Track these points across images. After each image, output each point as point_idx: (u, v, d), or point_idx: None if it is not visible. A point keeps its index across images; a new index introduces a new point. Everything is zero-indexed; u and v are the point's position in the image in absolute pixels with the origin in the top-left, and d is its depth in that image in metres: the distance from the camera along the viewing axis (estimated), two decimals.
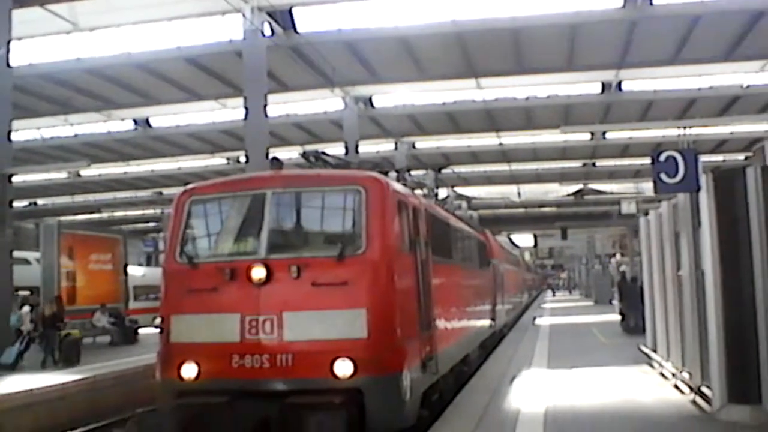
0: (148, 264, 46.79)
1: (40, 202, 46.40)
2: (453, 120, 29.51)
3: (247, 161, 19.59)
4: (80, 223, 45.35)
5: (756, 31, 19.46)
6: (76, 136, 30.78)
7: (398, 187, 9.28)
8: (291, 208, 8.53)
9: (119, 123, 29.80)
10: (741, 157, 33.77)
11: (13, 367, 16.78)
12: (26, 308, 19.07)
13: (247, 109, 19.59)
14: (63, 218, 42.56)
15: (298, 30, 20.47)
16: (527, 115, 29.14)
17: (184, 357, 7.87)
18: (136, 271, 31.73)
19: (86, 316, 22.54)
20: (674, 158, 9.65)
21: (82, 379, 14.90)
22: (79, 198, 45.36)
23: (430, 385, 9.14)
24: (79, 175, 38.84)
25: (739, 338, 8.59)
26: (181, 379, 7.85)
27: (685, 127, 20.46)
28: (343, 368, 7.46)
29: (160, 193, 43.02)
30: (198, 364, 7.82)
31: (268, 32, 19.87)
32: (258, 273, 7.77)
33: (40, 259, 22.87)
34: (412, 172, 15.67)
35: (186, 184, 9.38)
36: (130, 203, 46.49)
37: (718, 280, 8.85)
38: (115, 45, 21.43)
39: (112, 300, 24.00)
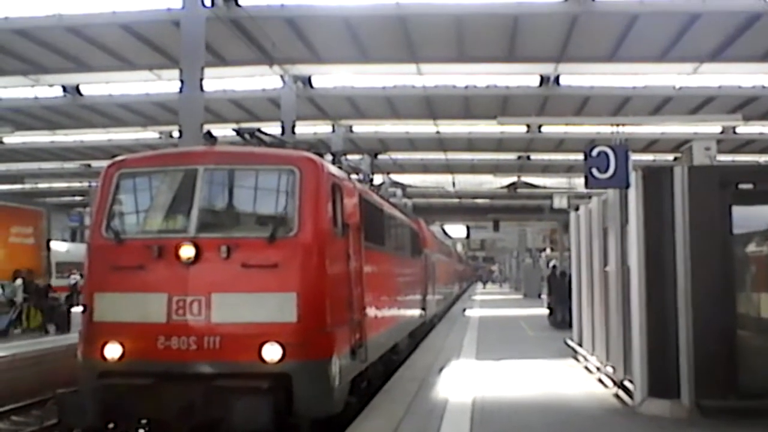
0: (73, 239, 45.28)
1: None
2: (392, 105, 29.40)
3: (180, 136, 19.01)
4: (1, 193, 43.48)
5: (691, 32, 19.92)
6: (0, 100, 29.51)
7: (333, 169, 9.18)
8: (223, 185, 8.36)
9: (47, 89, 28.66)
10: (670, 157, 34.67)
11: (4, 334, 18.44)
12: (18, 281, 20.66)
13: (182, 81, 18.97)
14: None
15: (240, 2, 20.01)
16: (465, 105, 29.24)
17: (108, 337, 7.65)
18: (59, 247, 30.70)
19: None
20: (606, 154, 9.86)
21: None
22: (1, 167, 43.52)
23: (359, 372, 9.11)
24: (1, 142, 37.29)
25: (661, 334, 8.85)
26: (104, 359, 7.64)
27: (618, 125, 20.95)
28: (272, 352, 7.35)
29: (89, 166, 41.39)
30: (122, 344, 7.61)
31: (208, 2, 19.32)
32: (187, 252, 7.58)
33: None
34: (349, 157, 15.52)
35: (115, 156, 9.07)
36: (56, 175, 44.60)
37: (643, 276, 9.09)
38: (45, 6, 20.55)
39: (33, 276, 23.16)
